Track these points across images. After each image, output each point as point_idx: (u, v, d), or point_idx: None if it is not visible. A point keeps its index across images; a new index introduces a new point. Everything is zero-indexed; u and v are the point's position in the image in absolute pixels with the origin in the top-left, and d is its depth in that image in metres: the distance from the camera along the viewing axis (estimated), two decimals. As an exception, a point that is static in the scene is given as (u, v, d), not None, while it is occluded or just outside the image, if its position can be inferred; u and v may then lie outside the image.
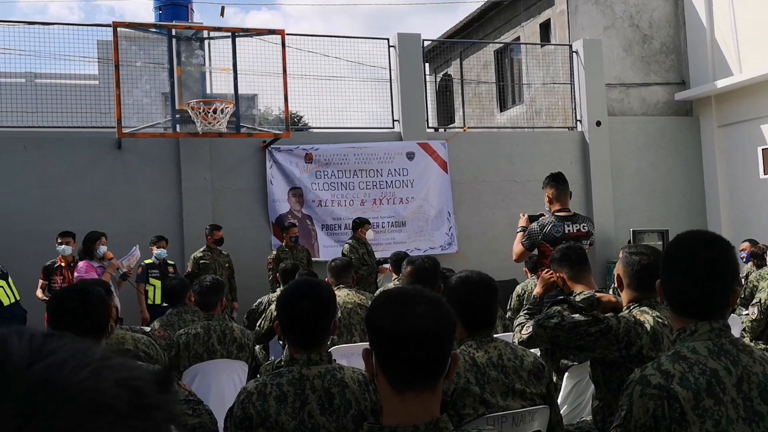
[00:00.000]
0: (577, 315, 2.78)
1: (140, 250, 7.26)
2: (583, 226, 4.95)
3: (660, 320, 2.74)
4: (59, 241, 7.13)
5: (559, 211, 4.97)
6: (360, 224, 8.68)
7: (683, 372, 1.71)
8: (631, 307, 2.84)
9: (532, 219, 5.16)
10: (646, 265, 2.83)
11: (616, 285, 2.97)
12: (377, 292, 5.98)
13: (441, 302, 1.53)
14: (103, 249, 6.93)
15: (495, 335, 2.63)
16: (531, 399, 2.49)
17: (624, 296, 2.91)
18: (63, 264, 7.19)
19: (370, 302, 4.81)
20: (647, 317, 2.75)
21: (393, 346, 1.46)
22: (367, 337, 1.56)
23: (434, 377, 1.46)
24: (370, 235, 8.70)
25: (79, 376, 0.50)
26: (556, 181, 5.07)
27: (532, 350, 2.77)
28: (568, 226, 4.89)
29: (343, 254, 8.38)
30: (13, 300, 6.61)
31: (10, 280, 6.67)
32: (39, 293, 7.13)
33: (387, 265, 7.67)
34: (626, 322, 2.72)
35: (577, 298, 3.20)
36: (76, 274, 6.84)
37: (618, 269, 2.93)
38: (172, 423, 0.54)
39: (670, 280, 1.86)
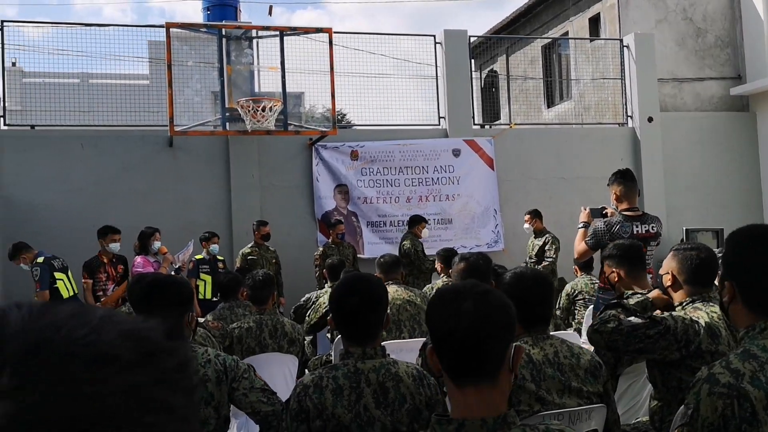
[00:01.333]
0: (633, 318, 2.75)
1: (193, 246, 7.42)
2: (653, 227, 4.73)
3: (714, 314, 2.72)
4: (116, 238, 6.99)
5: (626, 210, 4.75)
6: (417, 221, 8.71)
7: (754, 371, 1.67)
8: (684, 304, 2.81)
9: (594, 213, 4.95)
10: (704, 260, 2.81)
11: (667, 284, 2.91)
12: (425, 288, 6.00)
13: (492, 296, 1.54)
14: (157, 244, 7.09)
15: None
16: (587, 398, 2.47)
17: (677, 294, 2.88)
18: (105, 261, 7.00)
19: (419, 299, 4.84)
20: (700, 313, 2.73)
21: (445, 342, 1.49)
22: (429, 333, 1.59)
23: (490, 372, 1.47)
24: (425, 233, 8.72)
25: (79, 333, 0.48)
26: (624, 177, 4.83)
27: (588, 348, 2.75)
28: (637, 226, 4.68)
29: (403, 248, 8.44)
30: (71, 293, 6.79)
31: (69, 273, 6.86)
32: (89, 297, 6.85)
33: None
34: (682, 321, 2.69)
35: (631, 301, 3.16)
36: (134, 269, 7.02)
37: (669, 267, 2.89)
38: (186, 368, 0.51)
39: (746, 276, 1.82)
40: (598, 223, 4.81)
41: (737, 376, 1.66)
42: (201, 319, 4.29)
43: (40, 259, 6.69)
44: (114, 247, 6.99)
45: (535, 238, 8.73)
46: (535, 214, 8.75)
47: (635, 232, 4.63)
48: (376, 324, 2.30)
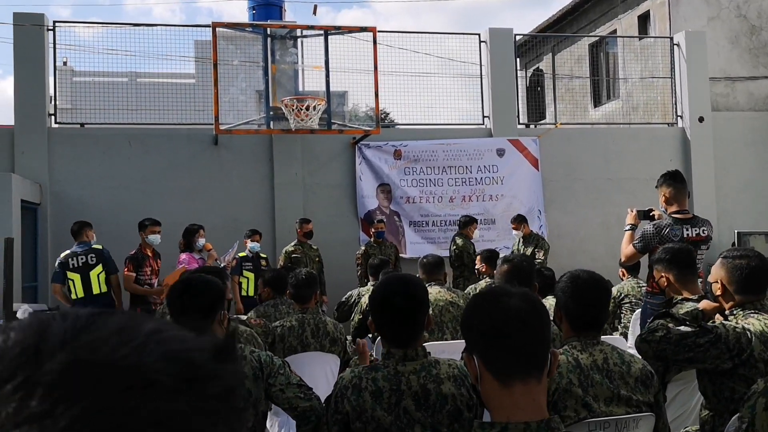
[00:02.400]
0: (682, 327, 2.68)
1: (233, 243, 7.49)
2: (703, 230, 4.61)
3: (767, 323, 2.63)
4: (156, 230, 6.96)
5: (676, 212, 4.63)
6: (469, 222, 8.67)
7: None
8: (735, 312, 2.73)
9: (641, 215, 4.82)
10: (755, 268, 2.73)
11: (717, 293, 2.82)
12: (468, 289, 5.94)
13: (532, 295, 1.60)
14: (201, 241, 7.17)
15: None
16: (637, 406, 2.40)
17: (728, 304, 2.80)
18: (150, 254, 6.95)
19: (461, 300, 4.79)
20: (752, 320, 2.65)
21: (494, 337, 1.50)
22: (465, 341, 1.60)
23: (538, 366, 1.49)
24: (476, 234, 8.69)
25: (120, 352, 0.45)
26: (674, 179, 4.71)
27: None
28: (687, 229, 4.55)
29: (457, 248, 8.41)
30: (96, 291, 6.71)
31: (95, 271, 6.73)
32: (132, 287, 6.82)
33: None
34: (734, 329, 2.62)
35: (681, 310, 3.09)
36: (179, 265, 7.11)
37: (718, 276, 2.81)
38: (231, 395, 0.48)
39: None
40: (647, 226, 4.70)
41: None
42: (244, 317, 4.31)
43: (63, 255, 6.79)
44: (154, 238, 6.92)
45: (523, 243, 8.65)
46: (522, 220, 8.79)
47: (685, 236, 4.52)
48: (417, 325, 2.28)
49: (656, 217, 4.78)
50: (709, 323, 2.73)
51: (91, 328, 0.47)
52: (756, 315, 2.65)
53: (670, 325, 2.70)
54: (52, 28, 9.03)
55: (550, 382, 2.34)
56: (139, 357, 0.45)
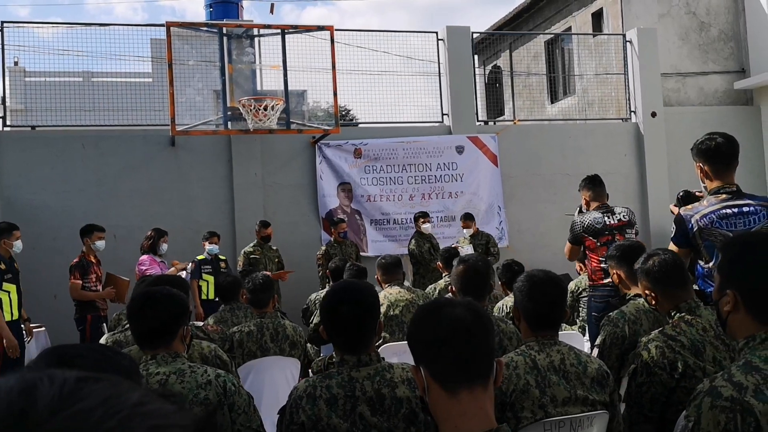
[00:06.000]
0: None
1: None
2: (623, 215, 5.09)
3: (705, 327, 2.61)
4: (102, 236, 6.82)
5: (596, 208, 5.16)
6: (416, 218, 8.80)
7: (757, 384, 1.61)
8: (674, 317, 2.70)
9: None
10: (666, 263, 2.78)
11: (653, 303, 2.82)
12: (428, 289, 5.94)
13: (476, 305, 1.62)
14: (165, 246, 7.16)
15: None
16: (592, 405, 2.41)
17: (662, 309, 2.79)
18: (93, 261, 6.79)
19: (421, 300, 4.79)
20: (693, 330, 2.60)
21: (439, 346, 1.51)
22: (412, 353, 1.61)
23: (483, 374, 1.50)
24: (426, 228, 8.68)
25: (106, 424, 0.46)
26: (593, 183, 5.26)
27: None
28: (608, 217, 5.05)
29: (409, 251, 8.44)
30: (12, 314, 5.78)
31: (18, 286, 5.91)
32: (84, 293, 6.57)
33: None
34: (670, 351, 2.54)
35: (629, 307, 3.13)
36: (140, 267, 7.00)
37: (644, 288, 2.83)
38: None
39: (751, 283, 1.76)
40: (576, 217, 5.21)
41: (740, 390, 1.60)
42: (200, 323, 4.23)
43: None
44: (100, 244, 6.82)
45: (473, 240, 8.70)
46: (471, 218, 8.84)
47: (608, 223, 5.03)
48: (368, 332, 2.27)
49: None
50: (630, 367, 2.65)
51: (79, 395, 0.47)
52: (695, 321, 2.62)
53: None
54: (0, 28, 8.76)
55: (507, 383, 2.35)
56: (124, 431, 0.46)
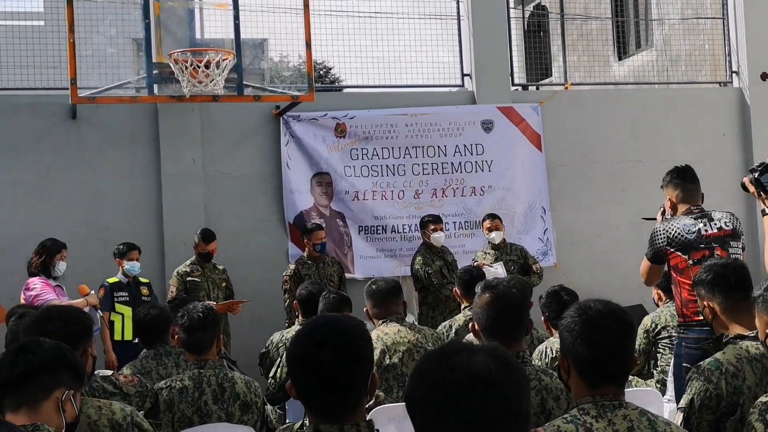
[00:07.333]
0: None
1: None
2: (726, 223, 5.10)
3: None
4: None
5: (687, 211, 5.20)
6: (425, 224, 8.73)
7: None
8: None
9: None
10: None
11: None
12: (440, 327, 5.94)
13: (503, 352, 1.65)
14: (62, 265, 7.18)
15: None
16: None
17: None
18: None
19: (431, 342, 4.79)
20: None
21: (450, 410, 1.55)
22: (412, 422, 1.64)
23: None
24: (438, 238, 8.63)
25: None
26: (683, 178, 5.30)
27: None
28: (704, 224, 5.07)
29: (413, 271, 8.43)
30: None
31: None
32: None
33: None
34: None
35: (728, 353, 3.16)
36: (28, 293, 7.00)
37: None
38: None
39: None
40: (656, 225, 5.25)
41: None
42: (107, 372, 4.22)
43: None
44: None
45: (502, 254, 8.71)
46: (497, 218, 8.90)
47: (703, 233, 5.04)
48: (356, 389, 2.25)
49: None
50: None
51: None
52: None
53: None
54: None
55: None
56: None
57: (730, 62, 11.09)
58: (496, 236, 8.70)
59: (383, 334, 4.81)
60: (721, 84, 11.18)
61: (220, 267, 8.47)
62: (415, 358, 4.65)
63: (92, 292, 7.13)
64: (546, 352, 4.92)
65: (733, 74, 11.05)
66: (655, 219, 5.44)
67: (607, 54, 13.75)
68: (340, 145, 9.70)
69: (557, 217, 10.22)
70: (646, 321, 6.59)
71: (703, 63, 11.71)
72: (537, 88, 11.89)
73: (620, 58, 13.79)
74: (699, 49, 11.80)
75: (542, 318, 5.22)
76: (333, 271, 8.72)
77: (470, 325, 3.48)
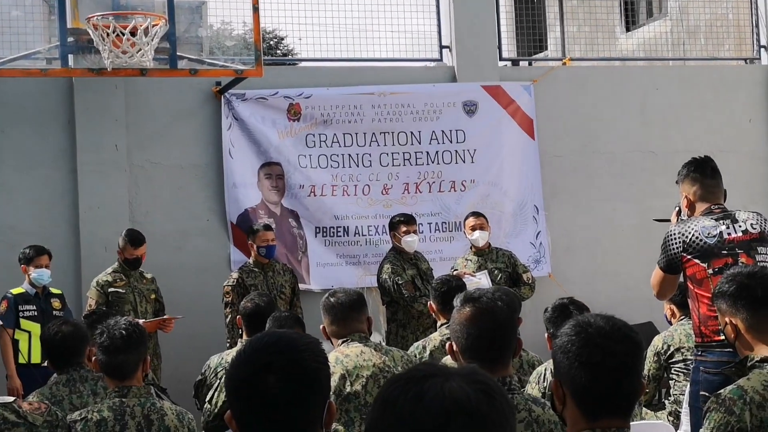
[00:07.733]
0: None
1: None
2: (752, 225, 5.16)
3: None
4: None
5: (707, 210, 5.24)
6: (394, 226, 8.72)
7: None
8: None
9: None
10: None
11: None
12: (413, 348, 5.95)
13: (484, 377, 1.65)
14: None
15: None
16: None
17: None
18: None
19: (400, 365, 4.79)
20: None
21: None
22: None
23: None
24: (410, 242, 8.63)
25: None
26: (702, 171, 5.32)
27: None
28: (727, 226, 5.11)
29: (380, 282, 8.45)
30: None
31: None
32: None
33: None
34: None
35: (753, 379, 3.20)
36: None
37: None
38: None
39: None
40: (670, 228, 5.32)
41: None
42: (9, 399, 4.20)
43: None
44: None
45: (487, 261, 8.75)
46: (482, 216, 8.90)
47: (726, 237, 5.08)
48: (309, 420, 2.25)
49: None
50: None
51: None
52: None
53: None
54: None
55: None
56: None
57: (757, 35, 11.21)
58: (480, 237, 8.69)
59: (343, 356, 4.81)
60: (747, 61, 11.30)
61: (149, 276, 8.44)
62: (381, 383, 4.66)
63: None
64: (545, 374, 4.93)
65: (761, 49, 11.17)
66: (668, 220, 5.51)
67: (613, 24, 13.84)
68: (293, 129, 9.70)
69: (552, 218, 10.27)
70: (657, 342, 6.63)
71: (726, 36, 11.83)
72: (529, 64, 11.95)
73: (628, 29, 13.90)
74: (721, 19, 11.91)
75: (546, 335, 5.20)
76: (284, 280, 8.71)
77: (447, 345, 3.48)
